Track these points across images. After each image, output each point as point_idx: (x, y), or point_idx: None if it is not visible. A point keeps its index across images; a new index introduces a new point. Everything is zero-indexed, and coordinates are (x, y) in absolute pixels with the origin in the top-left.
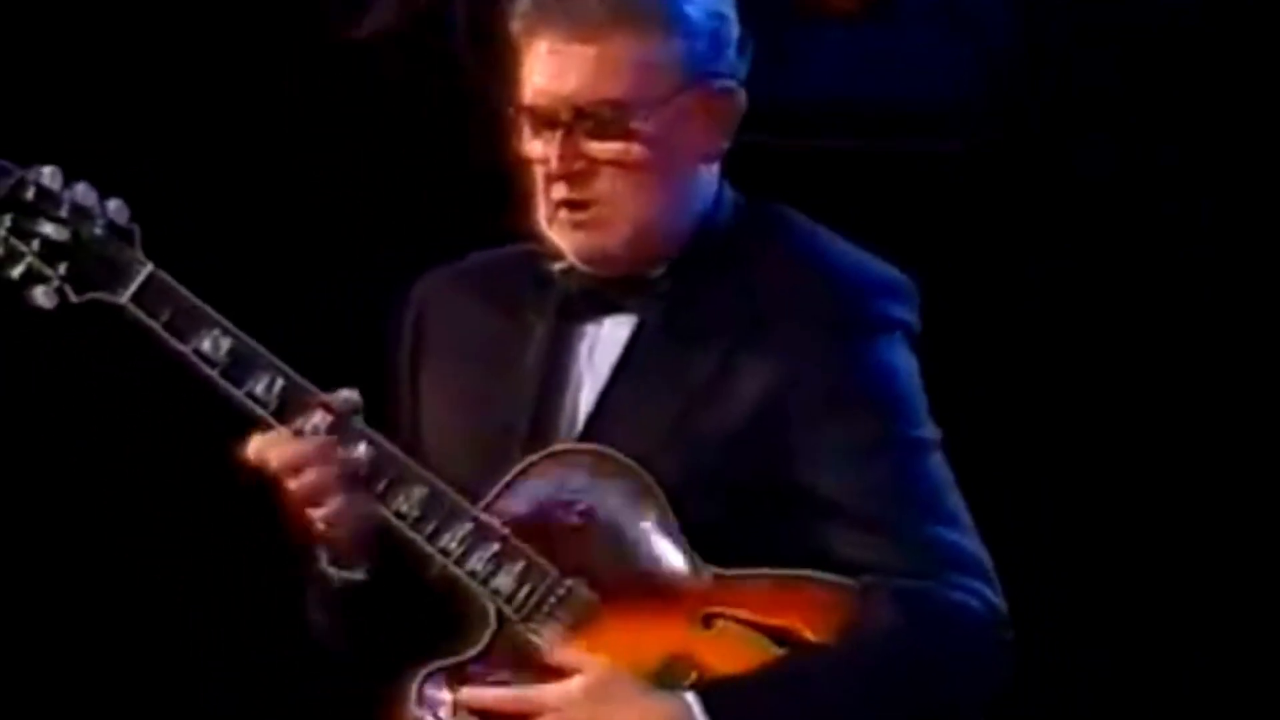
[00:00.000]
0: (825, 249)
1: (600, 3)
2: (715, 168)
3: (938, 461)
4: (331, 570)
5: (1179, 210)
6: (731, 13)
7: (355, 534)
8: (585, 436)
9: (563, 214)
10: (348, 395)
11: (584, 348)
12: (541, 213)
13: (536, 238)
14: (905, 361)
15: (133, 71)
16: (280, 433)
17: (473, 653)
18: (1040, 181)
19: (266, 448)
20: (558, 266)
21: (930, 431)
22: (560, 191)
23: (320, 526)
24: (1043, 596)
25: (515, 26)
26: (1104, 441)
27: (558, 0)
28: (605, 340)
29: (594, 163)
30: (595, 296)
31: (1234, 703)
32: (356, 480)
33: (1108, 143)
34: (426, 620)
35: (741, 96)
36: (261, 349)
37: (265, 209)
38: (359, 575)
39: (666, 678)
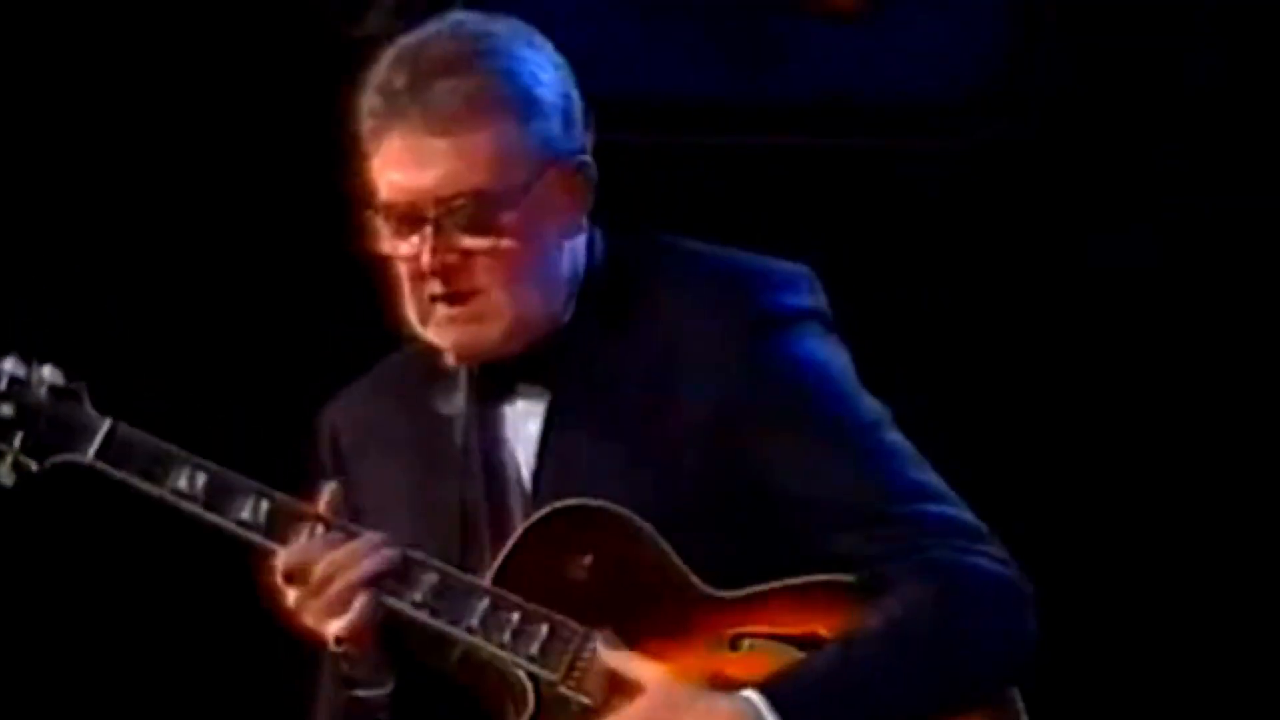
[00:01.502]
0: (710, 262)
1: (453, 95)
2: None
3: (892, 438)
4: (356, 692)
5: (1179, 209)
6: (575, 90)
7: (374, 644)
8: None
9: (440, 310)
10: (333, 492)
11: (507, 426)
12: (413, 312)
13: (410, 334)
14: (829, 349)
15: (132, 70)
16: (310, 545)
17: None
18: (1040, 180)
19: (302, 557)
20: (451, 357)
21: (872, 411)
22: (435, 287)
23: (343, 635)
24: (1046, 595)
25: (366, 125)
26: (1102, 439)
27: (409, 95)
28: (521, 418)
29: (467, 255)
30: (498, 375)
31: (1234, 702)
32: (379, 578)
33: (1108, 141)
34: (448, 703)
35: (594, 169)
36: (237, 475)
37: (264, 208)
38: (384, 691)
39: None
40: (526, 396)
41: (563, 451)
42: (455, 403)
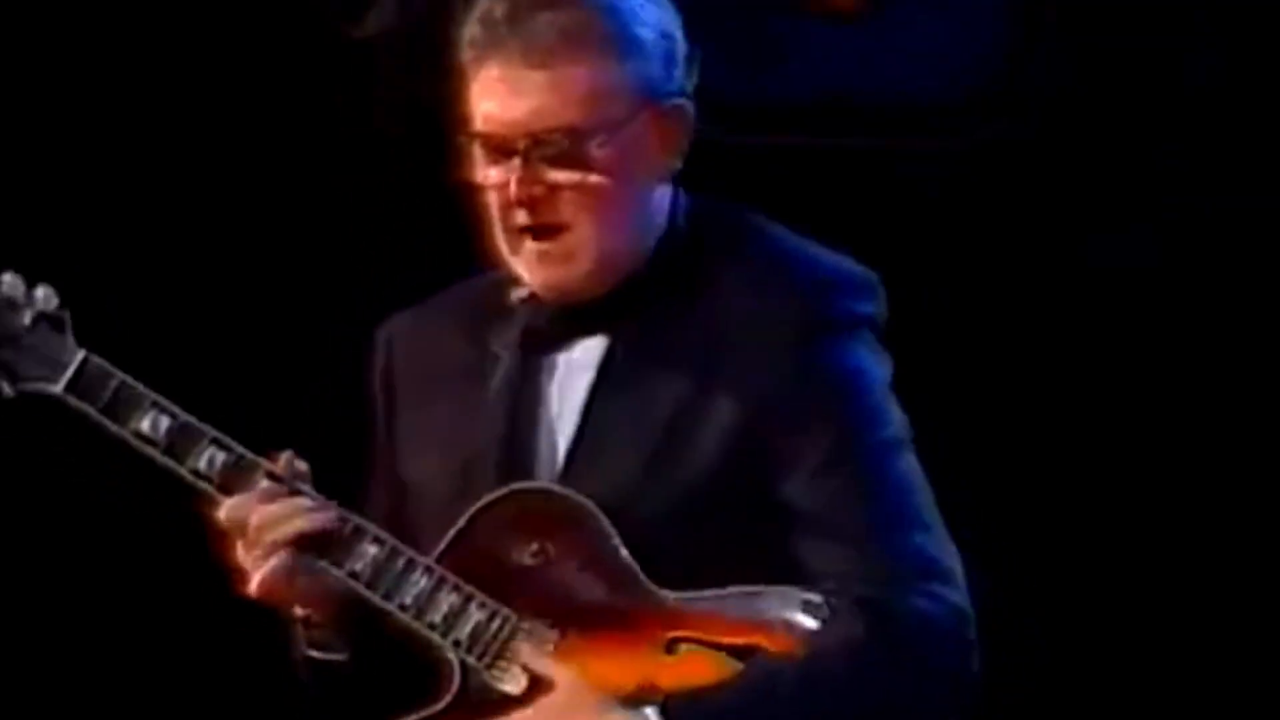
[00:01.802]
0: (785, 250)
1: (552, 28)
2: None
3: (905, 461)
4: (311, 653)
5: (1179, 209)
6: (679, 31)
7: (326, 609)
8: (567, 468)
9: (529, 245)
10: (289, 458)
11: (554, 379)
12: (502, 242)
13: (497, 264)
14: (871, 360)
15: (132, 69)
16: (249, 497)
17: (441, 705)
18: (1040, 180)
19: (241, 510)
20: (517, 295)
21: (897, 430)
22: (522, 218)
23: (260, 590)
24: (1038, 596)
25: (465, 54)
26: (1102, 440)
27: (509, 26)
28: (575, 369)
29: (554, 188)
30: (559, 324)
31: (1234, 703)
32: (312, 541)
33: (1108, 141)
34: (401, 677)
35: (691, 113)
36: (201, 424)
37: (264, 208)
38: (338, 656)
39: (635, 708)
40: (584, 346)
41: (606, 415)
42: (507, 340)
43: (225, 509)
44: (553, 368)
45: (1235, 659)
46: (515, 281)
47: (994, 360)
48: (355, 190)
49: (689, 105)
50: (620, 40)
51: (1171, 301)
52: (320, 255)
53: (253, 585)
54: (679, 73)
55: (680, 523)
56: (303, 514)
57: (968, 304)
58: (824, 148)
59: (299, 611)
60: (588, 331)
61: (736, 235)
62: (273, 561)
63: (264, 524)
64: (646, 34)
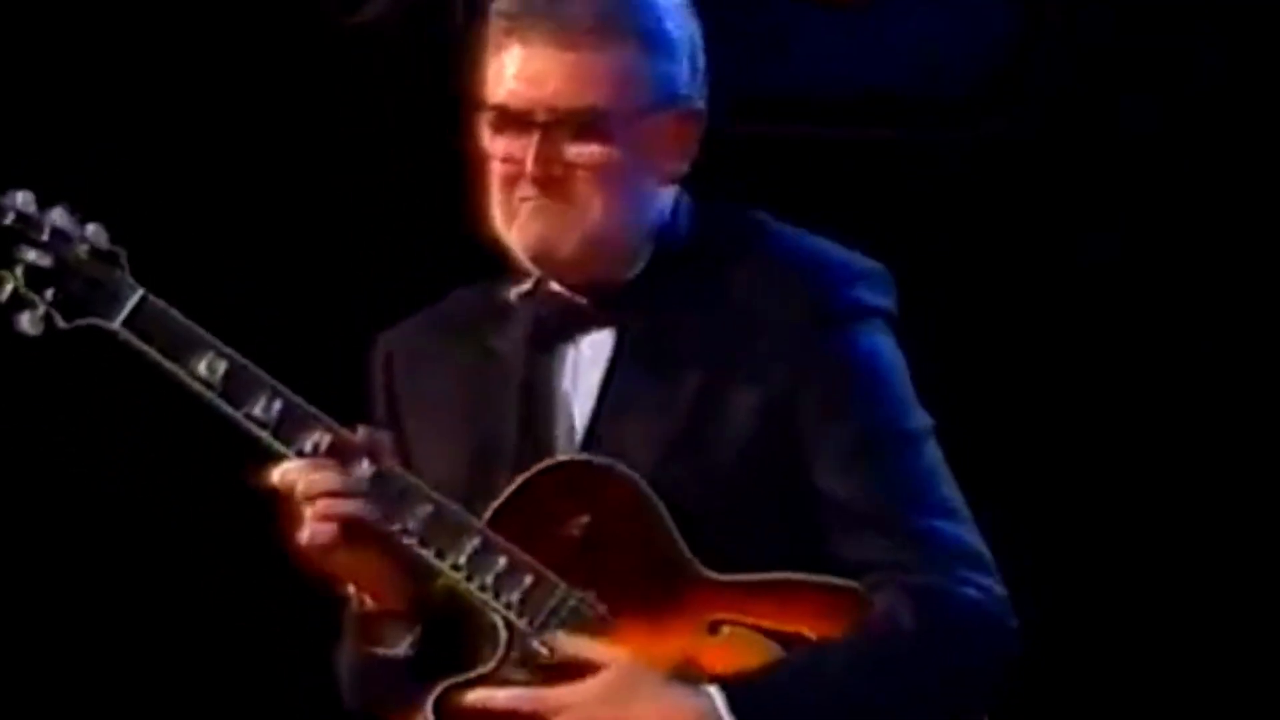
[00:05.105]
0: (793, 244)
1: (588, 11)
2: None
3: (930, 451)
4: (376, 650)
5: (1177, 209)
6: (701, 41)
7: (381, 589)
8: (584, 452)
9: (526, 206)
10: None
11: (565, 370)
12: (500, 214)
13: (492, 246)
14: (888, 350)
15: (129, 63)
16: (306, 463)
17: (485, 669)
18: (1045, 173)
19: (292, 476)
20: (516, 293)
21: (919, 420)
22: (526, 191)
23: (315, 551)
24: (1030, 593)
25: (495, 24)
26: (1100, 439)
27: (547, 3)
28: (585, 361)
29: (569, 167)
30: (566, 316)
31: (1234, 703)
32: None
33: (1108, 140)
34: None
35: (704, 122)
36: (257, 369)
37: (261, 202)
38: (399, 651)
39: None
40: (592, 341)
41: (622, 401)
42: (512, 339)
43: (278, 473)
44: (562, 359)
45: (1235, 657)
46: (513, 279)
47: (989, 357)
48: (350, 180)
49: (704, 114)
50: (651, 34)
51: (1169, 301)
52: (316, 248)
53: (302, 538)
54: (700, 81)
55: (701, 508)
56: (346, 499)
57: (964, 299)
58: (822, 139)
59: (359, 602)
60: (596, 324)
61: (744, 232)
62: (325, 526)
63: (309, 492)
64: (676, 34)
